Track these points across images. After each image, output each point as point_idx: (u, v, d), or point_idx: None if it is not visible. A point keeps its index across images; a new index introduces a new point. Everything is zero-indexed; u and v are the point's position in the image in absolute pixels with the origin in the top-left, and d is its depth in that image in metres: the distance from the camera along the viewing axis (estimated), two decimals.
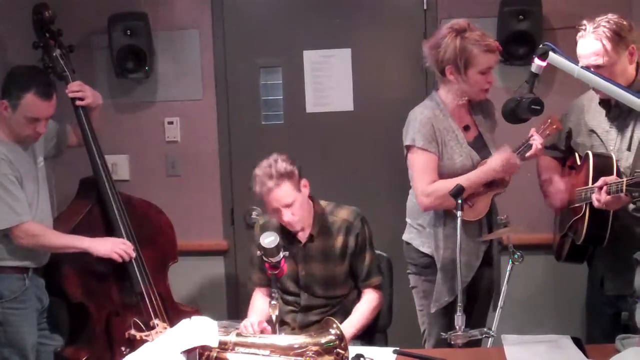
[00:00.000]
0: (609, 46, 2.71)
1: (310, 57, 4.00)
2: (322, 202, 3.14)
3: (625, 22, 2.75)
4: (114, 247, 3.26)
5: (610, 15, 2.75)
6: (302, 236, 3.07)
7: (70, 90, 3.35)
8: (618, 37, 2.72)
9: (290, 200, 2.94)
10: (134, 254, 3.32)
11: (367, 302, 3.08)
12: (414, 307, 3.16)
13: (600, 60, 2.71)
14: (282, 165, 2.94)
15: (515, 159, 2.87)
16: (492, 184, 2.96)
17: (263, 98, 4.08)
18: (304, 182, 3.02)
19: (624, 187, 2.54)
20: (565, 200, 3.00)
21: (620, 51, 2.74)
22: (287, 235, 3.05)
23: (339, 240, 3.07)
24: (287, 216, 2.95)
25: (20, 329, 3.14)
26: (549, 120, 2.94)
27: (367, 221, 3.12)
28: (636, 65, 2.81)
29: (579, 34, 2.78)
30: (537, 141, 2.89)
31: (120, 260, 3.27)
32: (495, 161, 2.89)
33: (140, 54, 3.90)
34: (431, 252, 3.01)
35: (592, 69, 2.70)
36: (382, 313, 3.20)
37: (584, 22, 2.78)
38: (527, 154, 2.90)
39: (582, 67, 2.68)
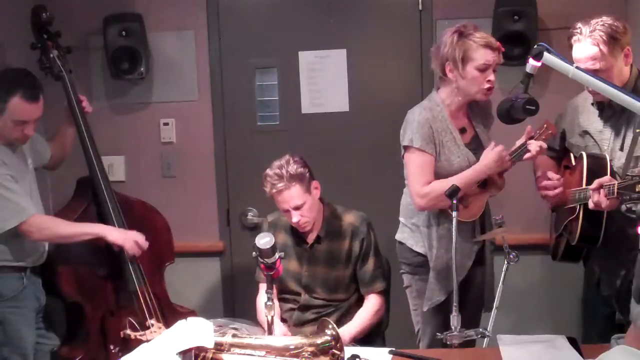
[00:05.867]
0: (605, 50, 2.67)
1: (306, 57, 4.00)
2: (332, 205, 3.16)
3: (619, 24, 2.71)
4: (127, 236, 3.26)
5: (604, 18, 2.70)
6: (310, 237, 3.10)
7: (86, 105, 3.46)
8: (614, 40, 2.68)
9: (300, 203, 2.97)
10: (145, 246, 3.31)
11: (368, 307, 3.10)
12: None
13: (597, 65, 2.68)
14: (294, 167, 2.96)
15: (505, 153, 2.88)
16: (487, 185, 2.97)
17: (258, 99, 4.07)
18: (314, 184, 3.05)
19: (616, 190, 2.54)
20: (560, 194, 2.96)
21: (616, 54, 2.70)
22: (296, 234, 3.09)
23: (345, 244, 3.08)
24: (296, 217, 2.98)
25: (19, 327, 3.14)
26: (545, 126, 2.94)
27: (373, 227, 3.13)
28: (630, 66, 2.79)
29: (574, 37, 2.73)
30: (533, 146, 2.89)
31: (133, 251, 3.26)
32: (488, 158, 2.90)
33: (135, 55, 3.89)
34: (424, 251, 3.02)
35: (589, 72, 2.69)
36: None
37: (579, 25, 2.73)
38: (525, 157, 2.91)
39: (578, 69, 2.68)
